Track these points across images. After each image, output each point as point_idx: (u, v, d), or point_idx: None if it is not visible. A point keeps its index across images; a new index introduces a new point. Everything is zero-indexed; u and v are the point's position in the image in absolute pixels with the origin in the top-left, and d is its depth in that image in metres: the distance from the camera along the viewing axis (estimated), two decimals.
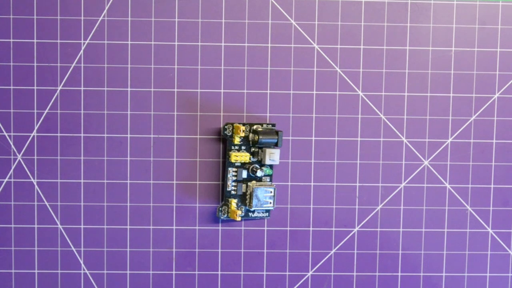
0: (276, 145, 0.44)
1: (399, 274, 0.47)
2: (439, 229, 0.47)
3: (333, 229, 0.47)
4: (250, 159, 0.45)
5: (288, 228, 0.47)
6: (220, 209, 0.45)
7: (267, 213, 0.46)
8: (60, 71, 0.45)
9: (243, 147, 0.45)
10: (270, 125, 0.45)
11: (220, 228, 0.47)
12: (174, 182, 0.46)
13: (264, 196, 0.44)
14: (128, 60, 0.46)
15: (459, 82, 0.47)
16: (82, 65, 0.45)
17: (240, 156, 0.44)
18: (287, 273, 0.47)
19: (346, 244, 0.47)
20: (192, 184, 0.46)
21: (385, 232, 0.47)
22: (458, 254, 0.47)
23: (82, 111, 0.46)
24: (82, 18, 0.45)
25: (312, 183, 0.47)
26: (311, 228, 0.47)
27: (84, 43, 0.45)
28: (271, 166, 0.45)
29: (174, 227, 0.46)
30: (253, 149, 0.45)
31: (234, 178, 0.45)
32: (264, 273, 0.47)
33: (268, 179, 0.45)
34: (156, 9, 0.45)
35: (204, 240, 0.47)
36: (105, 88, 0.46)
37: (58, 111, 0.46)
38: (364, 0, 0.46)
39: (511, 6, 0.46)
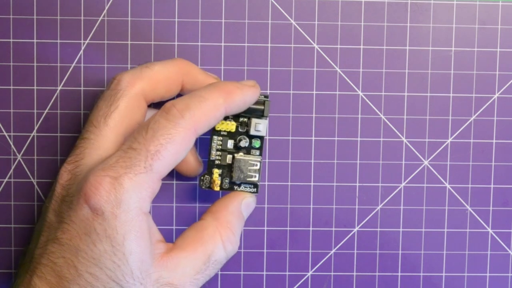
0: (262, 114, 0.42)
1: (399, 274, 0.47)
2: (439, 229, 0.47)
3: (333, 229, 0.47)
4: (237, 128, 0.42)
5: (288, 228, 0.47)
6: (202, 178, 0.42)
7: (254, 189, 0.42)
8: (60, 71, 0.45)
9: (231, 117, 0.42)
10: (263, 96, 0.42)
11: None
12: (174, 182, 0.46)
13: (248, 168, 0.42)
14: (128, 60, 0.46)
15: (459, 82, 0.47)
16: (82, 65, 0.45)
17: (225, 125, 0.42)
18: (287, 273, 0.47)
19: (346, 244, 0.47)
20: (192, 184, 0.46)
21: (385, 232, 0.47)
22: (458, 254, 0.47)
23: (82, 111, 0.46)
24: (82, 18, 0.45)
25: (312, 183, 0.47)
26: (311, 228, 0.47)
27: (84, 43, 0.45)
28: (261, 139, 0.42)
29: (174, 227, 0.46)
30: (242, 119, 0.42)
31: (219, 147, 0.42)
32: (264, 273, 0.47)
33: (257, 152, 0.42)
34: (156, 9, 0.45)
35: None
36: (105, 88, 0.46)
37: (58, 111, 0.46)
38: (364, 0, 0.46)
39: (511, 6, 0.46)
